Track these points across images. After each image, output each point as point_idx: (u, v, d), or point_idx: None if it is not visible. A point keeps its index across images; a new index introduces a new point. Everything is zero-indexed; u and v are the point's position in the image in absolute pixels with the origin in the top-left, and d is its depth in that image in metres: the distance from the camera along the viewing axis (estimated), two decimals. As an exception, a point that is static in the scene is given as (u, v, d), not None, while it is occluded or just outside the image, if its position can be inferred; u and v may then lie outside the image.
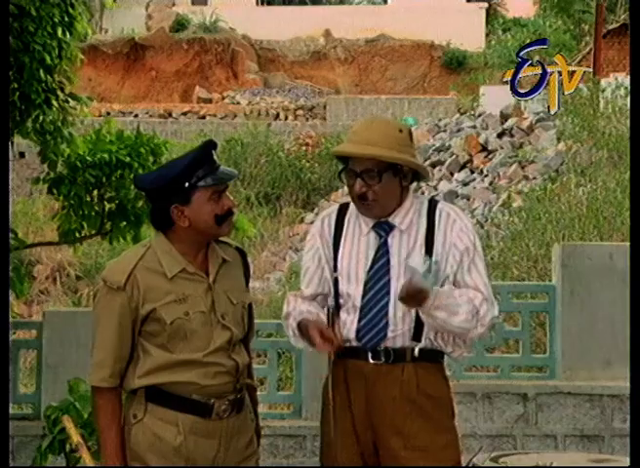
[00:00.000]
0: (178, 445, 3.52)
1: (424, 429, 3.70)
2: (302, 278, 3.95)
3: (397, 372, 3.72)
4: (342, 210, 3.89)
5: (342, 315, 3.78)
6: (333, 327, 3.72)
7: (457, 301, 3.68)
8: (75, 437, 3.95)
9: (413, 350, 3.72)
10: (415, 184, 3.92)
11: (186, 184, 3.53)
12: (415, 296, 3.59)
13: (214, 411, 3.56)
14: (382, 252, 3.77)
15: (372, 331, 3.76)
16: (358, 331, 3.77)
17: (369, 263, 3.76)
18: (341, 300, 3.79)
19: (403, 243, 3.76)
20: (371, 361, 3.76)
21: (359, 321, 3.77)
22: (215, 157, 3.61)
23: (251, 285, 3.88)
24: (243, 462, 3.66)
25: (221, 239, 3.71)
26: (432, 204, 3.83)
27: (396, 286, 3.70)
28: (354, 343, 3.78)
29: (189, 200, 3.54)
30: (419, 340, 3.73)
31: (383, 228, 3.78)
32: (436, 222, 3.76)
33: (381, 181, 3.72)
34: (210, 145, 3.62)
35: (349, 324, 3.78)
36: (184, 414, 3.54)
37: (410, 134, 3.83)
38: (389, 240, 3.77)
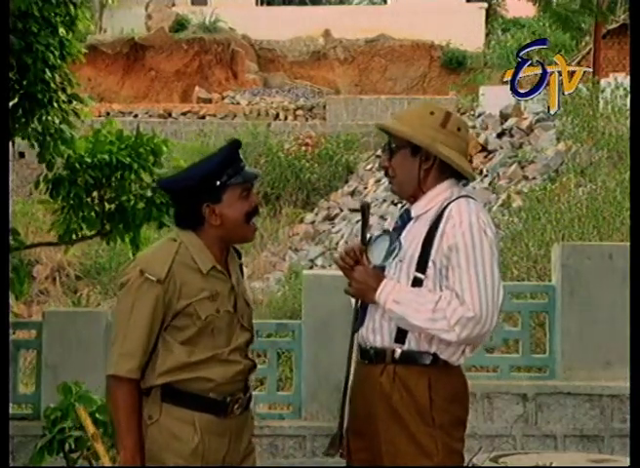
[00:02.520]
0: (195, 445, 3.54)
1: (399, 435, 3.63)
2: None
3: (376, 374, 3.68)
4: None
5: None
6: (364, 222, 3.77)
7: (420, 299, 3.59)
8: (91, 428, 3.96)
9: (394, 352, 3.66)
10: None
11: (218, 183, 3.58)
12: (361, 273, 3.63)
13: (229, 410, 3.60)
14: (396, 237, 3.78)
15: (360, 315, 3.77)
16: (358, 311, 3.78)
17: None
18: None
19: (411, 232, 3.71)
20: (359, 360, 3.77)
21: (353, 296, 3.80)
22: (240, 156, 3.66)
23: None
24: (245, 459, 3.70)
25: None
26: (455, 199, 3.69)
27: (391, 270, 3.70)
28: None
29: (221, 198, 3.59)
30: (402, 342, 3.66)
31: (404, 216, 3.79)
32: (442, 218, 3.64)
33: (393, 157, 3.74)
34: (237, 144, 3.68)
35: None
36: (201, 413, 3.56)
37: (446, 118, 3.72)
38: (406, 227, 3.74)
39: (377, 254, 3.70)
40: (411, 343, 3.66)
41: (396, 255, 3.67)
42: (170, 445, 3.52)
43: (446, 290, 3.60)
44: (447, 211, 3.64)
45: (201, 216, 3.60)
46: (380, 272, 3.68)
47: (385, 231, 3.76)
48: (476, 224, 3.61)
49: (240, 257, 3.85)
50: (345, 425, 3.79)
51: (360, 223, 3.82)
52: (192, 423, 3.54)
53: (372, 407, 3.69)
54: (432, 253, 3.62)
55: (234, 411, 3.61)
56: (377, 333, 3.70)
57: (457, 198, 3.69)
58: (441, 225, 3.63)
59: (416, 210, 3.74)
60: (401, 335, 3.66)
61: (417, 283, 3.65)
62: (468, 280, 3.57)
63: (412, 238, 3.68)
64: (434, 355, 3.66)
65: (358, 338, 3.78)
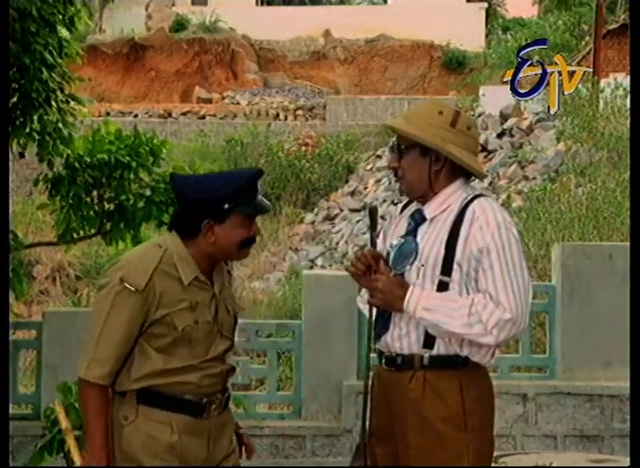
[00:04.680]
0: (171, 444, 3.54)
1: (430, 443, 3.57)
2: None
3: (405, 381, 3.61)
4: (407, 203, 3.86)
5: None
6: (373, 227, 3.70)
7: (452, 305, 3.52)
8: (64, 422, 3.97)
9: (422, 358, 3.59)
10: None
11: (227, 206, 3.55)
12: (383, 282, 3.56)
13: (206, 411, 3.60)
14: None
15: (380, 321, 3.68)
16: (376, 317, 3.70)
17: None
18: None
19: (428, 234, 3.62)
20: (384, 367, 3.69)
21: (378, 307, 3.70)
22: (258, 186, 3.63)
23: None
24: (226, 459, 3.69)
25: None
26: (472, 199, 3.62)
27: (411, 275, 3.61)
28: (378, 345, 3.72)
29: (224, 220, 3.56)
30: (430, 347, 3.59)
31: (416, 217, 3.69)
32: (464, 219, 3.57)
33: (402, 157, 3.66)
34: (259, 174, 3.66)
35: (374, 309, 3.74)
36: (177, 414, 3.56)
37: (455, 118, 3.65)
38: (419, 229, 3.66)
39: (396, 261, 3.64)
40: (440, 348, 3.59)
41: (414, 260, 3.61)
42: (146, 445, 3.53)
43: (477, 292, 3.54)
44: (468, 211, 3.58)
45: (198, 229, 3.58)
46: (402, 279, 3.61)
47: (401, 237, 3.68)
48: (503, 224, 3.56)
49: (227, 263, 3.83)
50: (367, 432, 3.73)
51: (369, 228, 3.74)
52: (169, 424, 3.54)
53: (400, 414, 3.63)
54: (457, 255, 3.55)
55: (211, 412, 3.61)
56: (403, 340, 3.63)
57: (474, 197, 3.63)
58: (464, 226, 3.56)
59: (429, 211, 3.66)
60: (429, 340, 3.59)
61: (442, 286, 3.57)
62: (502, 281, 3.51)
63: (432, 241, 3.61)
64: (464, 358, 3.60)
65: (380, 345, 3.70)
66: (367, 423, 3.73)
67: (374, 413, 3.74)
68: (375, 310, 3.71)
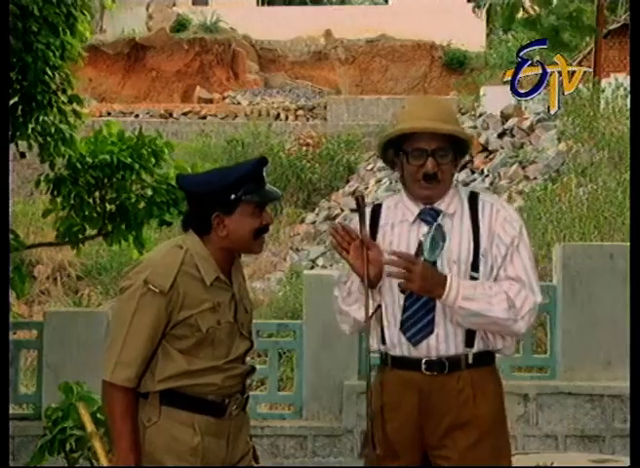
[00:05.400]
0: (195, 445, 3.54)
1: (479, 441, 3.60)
2: (343, 280, 3.82)
3: (453, 383, 3.60)
4: (375, 210, 3.82)
5: (388, 303, 3.70)
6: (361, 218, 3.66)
7: (488, 292, 3.54)
8: (89, 425, 3.96)
9: (467, 357, 3.61)
10: None
11: (233, 196, 3.55)
12: (418, 274, 3.51)
13: (227, 411, 3.61)
14: None
15: (417, 325, 3.63)
16: (402, 322, 3.66)
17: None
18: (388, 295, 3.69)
19: (451, 228, 3.64)
20: (425, 372, 3.64)
21: (403, 311, 3.66)
22: (264, 174, 3.63)
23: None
24: (242, 459, 3.71)
25: None
26: (473, 194, 3.72)
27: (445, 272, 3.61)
28: (404, 351, 3.66)
29: (232, 211, 3.57)
30: (471, 345, 3.61)
31: (431, 215, 3.69)
32: (479, 212, 3.64)
33: (445, 161, 3.64)
34: (263, 162, 3.66)
35: (393, 316, 3.68)
36: (200, 415, 3.56)
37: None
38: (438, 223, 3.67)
39: (430, 249, 3.61)
40: (480, 345, 3.63)
41: (443, 247, 3.60)
42: (169, 446, 3.52)
43: (508, 279, 3.59)
44: (483, 206, 3.67)
45: (209, 224, 3.58)
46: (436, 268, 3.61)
47: (430, 224, 3.66)
48: (517, 216, 3.71)
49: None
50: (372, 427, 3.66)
51: (358, 216, 3.72)
52: (192, 425, 3.54)
53: (444, 417, 3.61)
54: (481, 248, 3.61)
55: (232, 412, 3.62)
56: (450, 341, 3.63)
57: (472, 192, 3.73)
58: (484, 220, 3.64)
59: (445, 207, 3.68)
60: (470, 338, 3.62)
61: None
62: (531, 267, 3.62)
63: (459, 237, 3.64)
64: (493, 353, 3.67)
65: (418, 351, 3.64)
66: (370, 411, 3.65)
67: (391, 424, 3.67)
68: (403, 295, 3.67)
